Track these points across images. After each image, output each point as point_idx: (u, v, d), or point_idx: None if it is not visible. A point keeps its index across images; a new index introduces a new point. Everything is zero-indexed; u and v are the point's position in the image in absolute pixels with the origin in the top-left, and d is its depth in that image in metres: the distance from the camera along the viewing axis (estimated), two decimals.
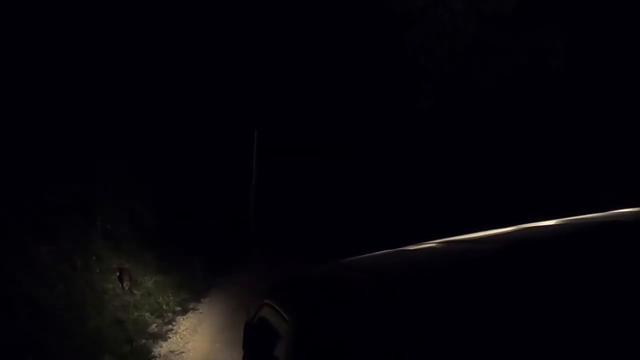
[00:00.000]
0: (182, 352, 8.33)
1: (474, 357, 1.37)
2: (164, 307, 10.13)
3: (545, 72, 10.41)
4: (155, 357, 8.17)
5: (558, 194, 10.34)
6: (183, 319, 9.91)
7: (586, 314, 1.41)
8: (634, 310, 1.39)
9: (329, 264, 2.56)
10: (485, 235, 2.41)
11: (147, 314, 9.55)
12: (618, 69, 9.84)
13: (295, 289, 2.23)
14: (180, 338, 8.94)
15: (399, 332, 1.48)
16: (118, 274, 9.90)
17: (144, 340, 8.54)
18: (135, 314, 9.32)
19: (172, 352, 8.33)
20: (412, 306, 1.59)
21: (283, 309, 1.96)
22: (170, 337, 8.94)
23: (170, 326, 9.43)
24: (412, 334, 1.46)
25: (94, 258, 9.75)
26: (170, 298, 10.57)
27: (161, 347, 8.51)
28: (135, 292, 9.97)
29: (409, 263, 2.19)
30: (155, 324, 9.35)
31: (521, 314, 1.45)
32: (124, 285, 9.81)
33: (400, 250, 2.45)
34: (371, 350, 1.46)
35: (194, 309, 10.50)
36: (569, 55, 10.14)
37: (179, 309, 10.34)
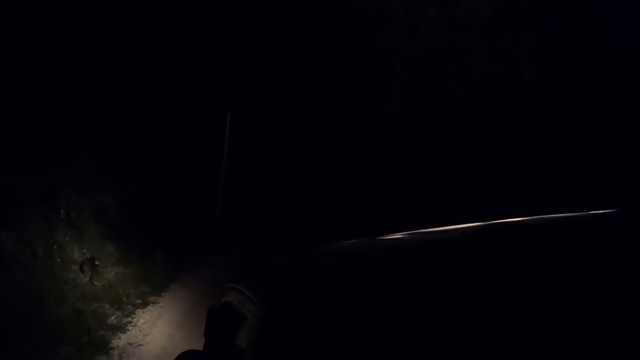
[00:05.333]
0: (140, 345, 8.35)
1: (446, 343, 1.45)
2: (124, 299, 10.08)
3: (515, 78, 10.70)
4: (114, 348, 8.16)
5: (524, 197, 10.64)
6: (143, 312, 9.89)
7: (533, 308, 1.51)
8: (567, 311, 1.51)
9: (302, 250, 2.58)
10: (453, 228, 2.49)
11: (107, 306, 9.51)
12: (586, 73, 10.15)
13: (266, 272, 2.20)
14: (139, 331, 8.95)
15: (371, 317, 1.53)
16: (80, 264, 9.87)
17: (102, 332, 8.52)
18: (95, 305, 9.29)
19: (130, 344, 8.35)
20: (383, 291, 1.64)
21: (251, 290, 1.93)
22: (129, 330, 8.94)
23: (129, 318, 9.41)
24: (383, 320, 1.52)
25: (55, 247, 9.72)
26: (131, 290, 10.52)
27: (120, 339, 8.51)
28: (96, 283, 9.92)
29: (380, 250, 2.24)
30: (114, 316, 9.33)
31: (482, 299, 1.54)
32: (85, 275, 9.78)
33: (373, 239, 2.51)
34: (341, 334, 1.51)
35: (154, 303, 10.48)
36: (540, 63, 10.44)
37: (139, 301, 10.31)
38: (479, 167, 11.93)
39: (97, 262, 10.10)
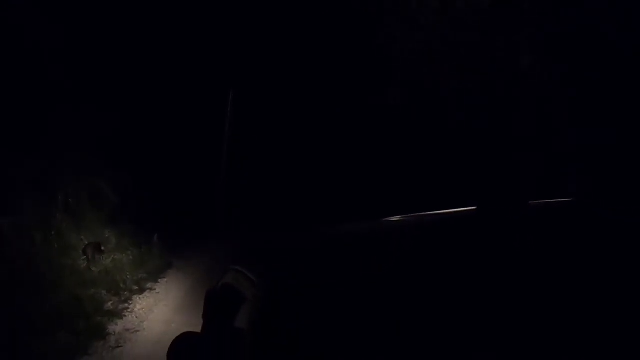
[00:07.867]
0: (137, 331, 8.40)
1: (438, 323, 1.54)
2: (121, 285, 10.15)
3: (515, 77, 10.73)
4: (111, 334, 8.20)
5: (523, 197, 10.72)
6: (140, 298, 9.97)
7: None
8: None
9: (301, 233, 2.63)
10: (452, 211, 2.60)
11: (104, 292, 9.59)
12: (586, 73, 10.20)
13: (266, 254, 2.29)
14: (136, 317, 9.01)
15: (368, 302, 1.63)
16: (84, 247, 9.97)
17: (99, 318, 8.57)
18: (92, 291, 9.35)
19: (127, 330, 8.40)
20: (381, 275, 1.73)
21: (252, 272, 1.96)
22: (126, 316, 9.00)
23: (126, 305, 9.49)
24: (381, 311, 1.61)
25: (53, 233, 9.78)
26: (128, 277, 10.59)
27: (117, 324, 8.57)
28: (93, 269, 10.03)
29: (378, 234, 2.32)
30: (111, 302, 9.40)
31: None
32: (89, 259, 9.91)
33: (374, 221, 2.59)
34: (340, 315, 1.58)
35: (150, 289, 10.57)
36: (540, 63, 10.47)
37: (136, 288, 10.39)
38: (477, 164, 12.00)
39: (103, 248, 10.26)
